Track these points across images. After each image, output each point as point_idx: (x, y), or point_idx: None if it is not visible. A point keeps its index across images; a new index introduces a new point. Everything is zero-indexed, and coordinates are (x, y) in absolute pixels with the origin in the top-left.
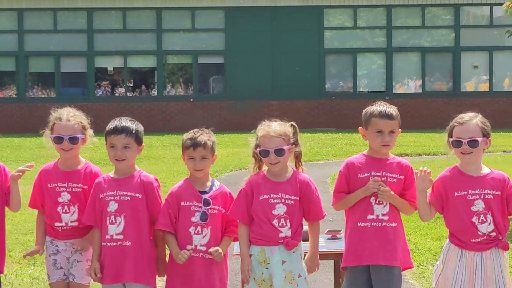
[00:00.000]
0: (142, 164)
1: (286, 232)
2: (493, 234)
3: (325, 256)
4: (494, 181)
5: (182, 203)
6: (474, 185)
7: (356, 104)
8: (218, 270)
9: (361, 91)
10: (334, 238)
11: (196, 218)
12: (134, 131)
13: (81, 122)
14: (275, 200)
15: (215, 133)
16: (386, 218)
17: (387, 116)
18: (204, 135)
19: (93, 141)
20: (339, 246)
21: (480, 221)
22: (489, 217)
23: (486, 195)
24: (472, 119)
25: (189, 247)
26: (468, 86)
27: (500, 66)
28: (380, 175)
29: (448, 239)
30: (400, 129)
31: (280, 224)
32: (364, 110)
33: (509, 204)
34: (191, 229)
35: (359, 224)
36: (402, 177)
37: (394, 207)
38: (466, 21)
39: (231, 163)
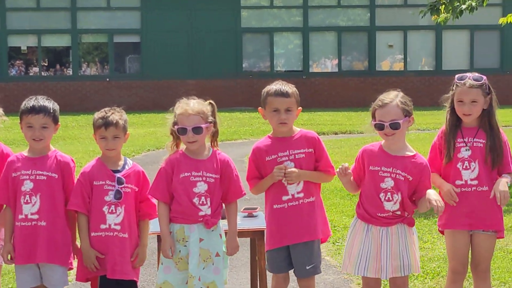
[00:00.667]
0: (58, 144)
1: (206, 210)
2: (398, 212)
3: (242, 234)
4: (411, 165)
5: (94, 183)
6: (389, 163)
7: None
8: (132, 249)
9: (278, 71)
10: (250, 216)
11: (109, 197)
12: (52, 111)
13: None
14: (196, 178)
15: (132, 112)
16: (301, 195)
17: (282, 94)
18: (116, 114)
19: (2, 119)
20: (256, 223)
21: (387, 198)
22: (396, 196)
23: (397, 175)
24: (392, 101)
25: (103, 226)
26: (383, 65)
27: (415, 46)
28: (288, 154)
29: (355, 215)
30: (300, 108)
31: (201, 202)
32: (262, 91)
33: (415, 194)
34: (105, 208)
35: (275, 206)
36: (311, 150)
37: (308, 182)
38: (381, 0)
39: (148, 142)
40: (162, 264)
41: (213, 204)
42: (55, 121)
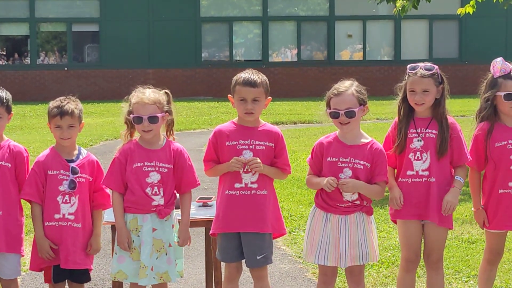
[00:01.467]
0: (15, 133)
1: (159, 200)
2: (357, 202)
3: (196, 223)
4: (367, 152)
5: (49, 172)
6: (346, 153)
7: (233, 73)
8: (86, 239)
9: (238, 60)
10: (205, 205)
11: (64, 187)
12: (5, 100)
13: None
14: (149, 168)
15: (90, 102)
16: (255, 186)
17: (250, 84)
18: (71, 103)
19: None
20: (210, 213)
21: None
22: None
23: (355, 165)
24: (348, 89)
25: (56, 216)
26: (343, 55)
27: (374, 35)
28: (248, 143)
29: (314, 204)
30: (269, 97)
31: (154, 192)
32: (233, 78)
33: (373, 178)
34: (59, 198)
35: (227, 192)
36: (271, 144)
37: (264, 175)
38: None
39: (106, 132)
40: (116, 253)
41: (166, 194)
42: (8, 110)
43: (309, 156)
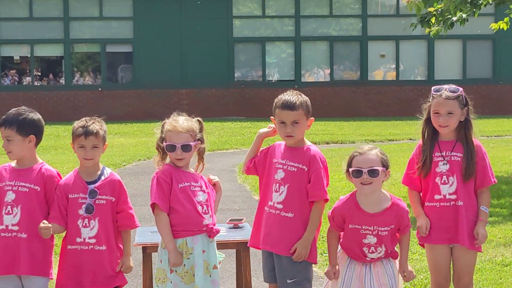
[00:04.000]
0: (49, 154)
1: (208, 219)
2: (382, 256)
3: (226, 245)
4: (390, 217)
5: (70, 195)
6: (369, 222)
7: (265, 92)
8: (113, 260)
9: (270, 80)
10: (236, 227)
11: (82, 211)
12: (15, 123)
13: None
14: (196, 188)
15: (123, 122)
16: (280, 206)
17: (288, 107)
18: (96, 124)
19: None
20: (241, 235)
21: (370, 251)
22: (380, 249)
23: (380, 232)
24: (371, 150)
25: (78, 239)
26: (376, 74)
27: (407, 55)
28: (283, 163)
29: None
30: (312, 118)
31: (204, 211)
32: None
33: (399, 231)
34: (79, 222)
35: (266, 209)
36: (304, 167)
37: (292, 196)
38: (373, 10)
39: (139, 152)
40: (171, 282)
41: (213, 214)
42: (22, 133)
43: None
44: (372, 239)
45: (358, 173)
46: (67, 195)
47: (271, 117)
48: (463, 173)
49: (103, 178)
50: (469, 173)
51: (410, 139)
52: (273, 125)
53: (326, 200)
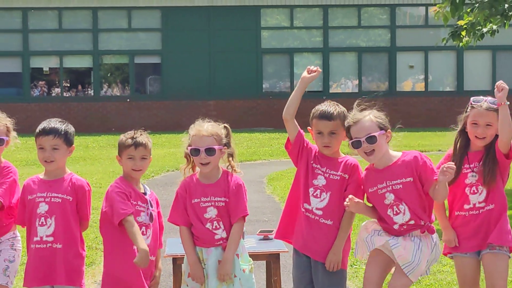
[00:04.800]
0: (78, 164)
1: (221, 233)
2: (412, 222)
3: (257, 257)
4: (401, 168)
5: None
6: (381, 178)
7: None
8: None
9: None
10: (266, 238)
11: (142, 218)
12: (63, 132)
13: (6, 124)
14: (206, 204)
15: (152, 133)
16: (319, 213)
17: (326, 117)
18: (144, 136)
19: (15, 143)
20: (271, 246)
21: (395, 212)
22: (402, 207)
23: (394, 186)
24: (365, 116)
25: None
26: (405, 85)
27: (436, 66)
28: (324, 170)
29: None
30: None
31: (214, 227)
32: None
33: (424, 185)
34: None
35: (302, 209)
36: (346, 175)
37: (333, 204)
38: (402, 21)
39: (168, 163)
40: (187, 286)
41: (227, 226)
42: (68, 143)
43: None
44: (390, 197)
45: (357, 144)
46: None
47: (308, 127)
48: (483, 181)
49: (148, 192)
50: (488, 181)
51: (439, 150)
52: (314, 68)
53: None
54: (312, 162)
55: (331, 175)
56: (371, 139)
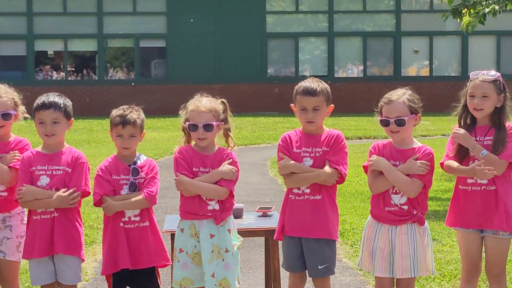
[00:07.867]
0: (82, 147)
1: (214, 205)
2: (405, 207)
3: (255, 233)
4: (418, 156)
5: (113, 176)
6: (396, 156)
7: None
8: (154, 237)
9: (303, 76)
10: (265, 215)
11: (125, 191)
12: (62, 106)
13: (13, 99)
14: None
15: (156, 116)
16: (308, 191)
17: (309, 93)
18: (134, 113)
19: (25, 116)
20: (270, 223)
21: (394, 191)
22: None
23: None
24: (399, 98)
25: (123, 219)
26: (410, 71)
27: (441, 51)
28: (310, 150)
29: (370, 215)
30: (331, 105)
31: (208, 198)
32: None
33: (424, 185)
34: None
35: (289, 196)
36: (327, 148)
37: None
38: (407, 6)
39: (172, 146)
40: (178, 261)
41: (221, 200)
42: (67, 116)
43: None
44: None
45: (386, 123)
46: (111, 175)
47: (291, 104)
48: (493, 151)
49: (139, 162)
50: (495, 151)
51: (443, 135)
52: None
53: (342, 176)
54: (295, 149)
55: (317, 153)
56: (400, 122)
